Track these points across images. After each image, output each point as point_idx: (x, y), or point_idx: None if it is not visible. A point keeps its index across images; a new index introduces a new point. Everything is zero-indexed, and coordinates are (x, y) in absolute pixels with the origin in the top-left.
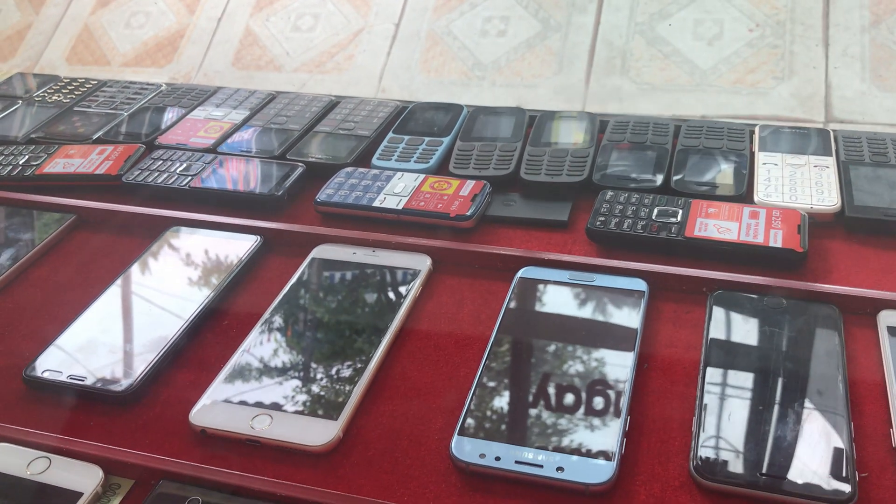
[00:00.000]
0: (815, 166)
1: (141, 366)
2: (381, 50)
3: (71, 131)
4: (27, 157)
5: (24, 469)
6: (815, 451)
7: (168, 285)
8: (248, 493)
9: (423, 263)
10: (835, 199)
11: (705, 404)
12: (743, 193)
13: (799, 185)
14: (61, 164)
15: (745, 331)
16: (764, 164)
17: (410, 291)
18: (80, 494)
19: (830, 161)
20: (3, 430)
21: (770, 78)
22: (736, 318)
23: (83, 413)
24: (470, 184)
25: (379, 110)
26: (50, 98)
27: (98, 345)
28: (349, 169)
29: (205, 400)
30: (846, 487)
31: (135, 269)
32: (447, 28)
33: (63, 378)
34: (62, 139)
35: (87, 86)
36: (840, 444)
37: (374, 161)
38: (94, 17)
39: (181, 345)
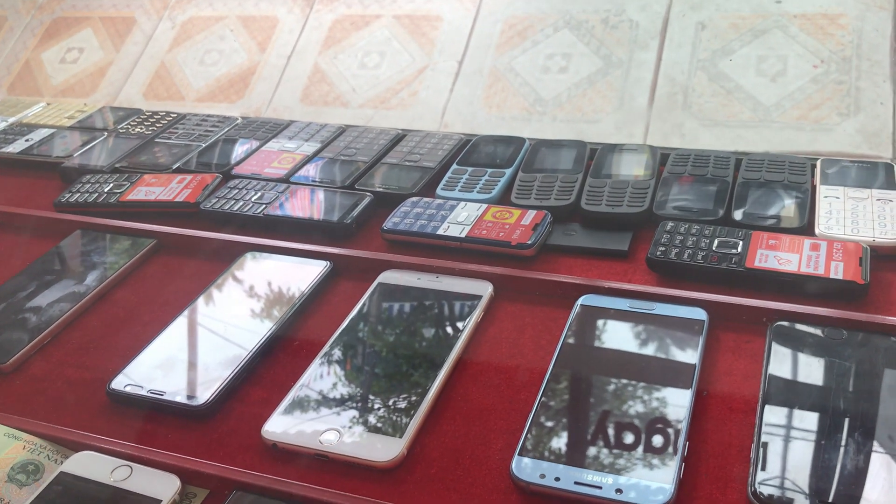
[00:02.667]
0: (878, 200)
1: (216, 382)
2: (444, 86)
3: (152, 161)
4: (111, 185)
5: (108, 476)
6: (874, 482)
7: (242, 307)
8: None
9: (484, 290)
10: None
11: (764, 431)
12: (804, 226)
13: (861, 218)
14: (143, 191)
15: (805, 361)
16: (826, 197)
17: (472, 316)
18: (158, 501)
19: (894, 195)
20: (89, 439)
21: (835, 114)
22: (796, 348)
23: (162, 425)
24: (531, 213)
25: (444, 143)
26: (132, 130)
27: (176, 362)
28: (415, 198)
29: (276, 416)
30: None
31: (211, 291)
32: (509, 65)
33: (143, 392)
34: (144, 168)
35: (167, 119)
36: None
37: (439, 191)
38: (170, 54)
39: (254, 363)
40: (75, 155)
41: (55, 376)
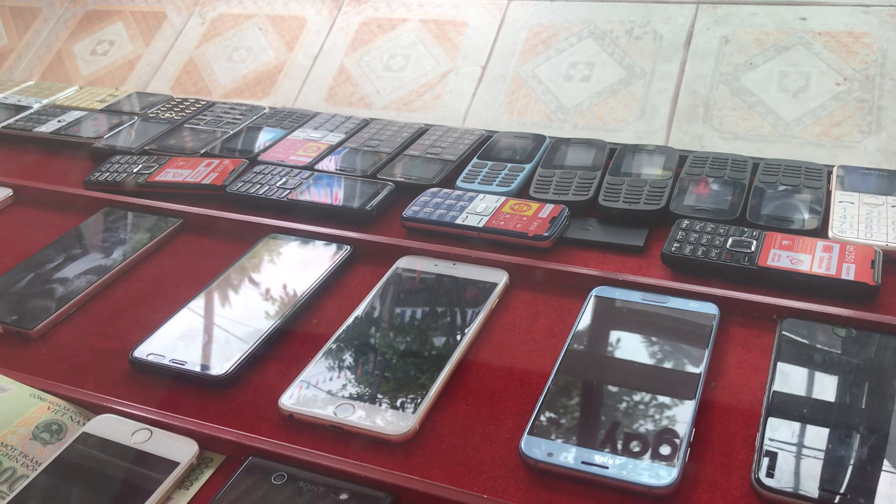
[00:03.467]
0: (893, 207)
1: (236, 354)
2: (466, 91)
3: (180, 145)
4: (140, 166)
5: (128, 438)
6: (877, 474)
7: (264, 285)
8: (330, 473)
9: (500, 278)
10: None
11: (770, 422)
12: (818, 229)
13: (875, 223)
14: (171, 173)
15: (813, 357)
16: (840, 202)
17: (487, 303)
18: (176, 464)
19: None
20: (111, 402)
21: (856, 132)
22: (804, 344)
23: (182, 393)
24: (549, 207)
25: (465, 137)
26: (163, 115)
27: (198, 334)
28: (435, 189)
29: (293, 388)
30: None
31: (234, 269)
32: (532, 72)
33: (165, 361)
34: (172, 152)
35: (197, 105)
36: None
37: (459, 183)
38: (199, 50)
39: (274, 338)
40: (105, 136)
41: (80, 344)
